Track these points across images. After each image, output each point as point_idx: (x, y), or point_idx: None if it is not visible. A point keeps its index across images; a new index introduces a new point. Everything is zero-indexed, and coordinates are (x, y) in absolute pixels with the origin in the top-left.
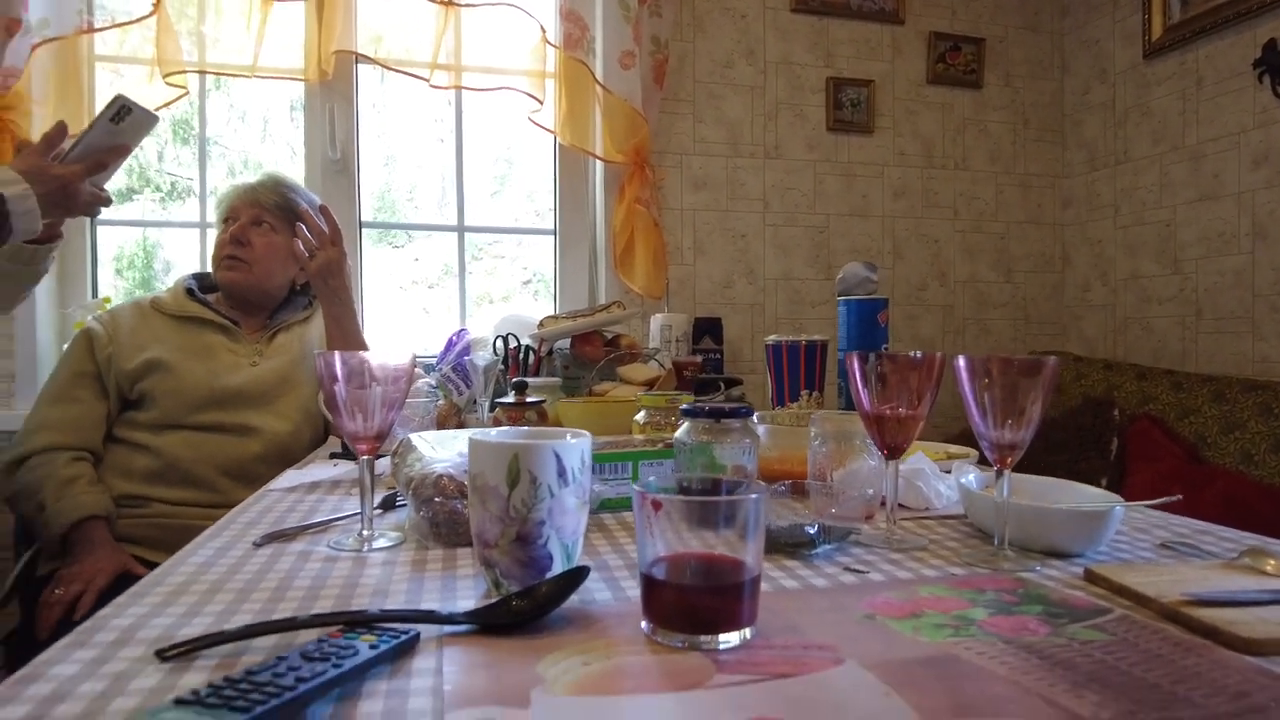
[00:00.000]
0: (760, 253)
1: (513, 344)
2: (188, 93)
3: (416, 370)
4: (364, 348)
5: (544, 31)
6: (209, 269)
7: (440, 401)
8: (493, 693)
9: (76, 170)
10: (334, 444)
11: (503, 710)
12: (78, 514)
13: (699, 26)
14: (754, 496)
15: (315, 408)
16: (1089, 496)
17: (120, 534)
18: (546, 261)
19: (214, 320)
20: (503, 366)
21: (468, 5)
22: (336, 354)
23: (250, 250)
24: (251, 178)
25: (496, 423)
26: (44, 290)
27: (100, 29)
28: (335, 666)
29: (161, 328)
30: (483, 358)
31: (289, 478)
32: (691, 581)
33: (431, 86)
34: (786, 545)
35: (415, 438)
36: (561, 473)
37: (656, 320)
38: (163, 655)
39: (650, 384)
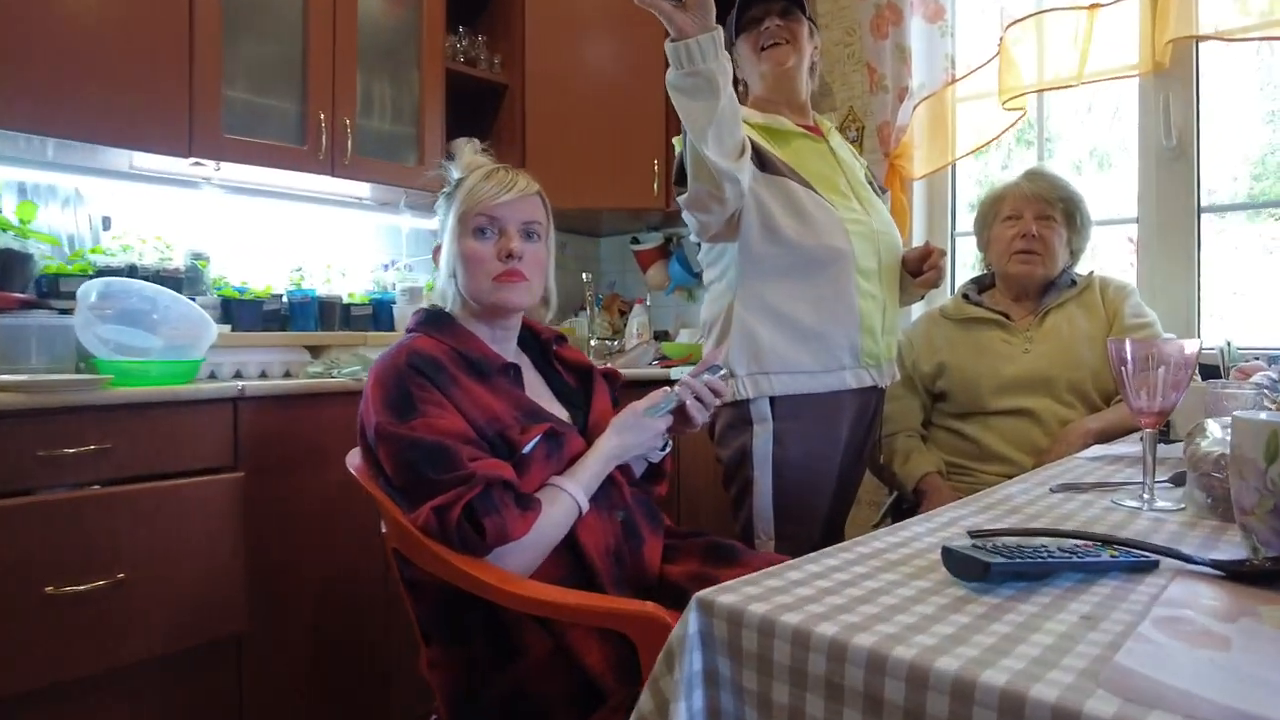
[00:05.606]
0: None
1: None
2: (1025, 112)
3: (1259, 362)
4: None
5: None
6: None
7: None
8: (1201, 608)
9: None
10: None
11: (1210, 621)
12: (920, 472)
13: None
14: None
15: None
16: None
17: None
18: None
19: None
20: None
21: None
22: (1127, 340)
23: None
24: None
25: None
26: None
27: (959, 78)
28: (1077, 557)
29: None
30: None
31: (1095, 450)
32: None
33: None
34: None
35: (1212, 421)
36: None
37: None
38: (972, 534)
39: None
